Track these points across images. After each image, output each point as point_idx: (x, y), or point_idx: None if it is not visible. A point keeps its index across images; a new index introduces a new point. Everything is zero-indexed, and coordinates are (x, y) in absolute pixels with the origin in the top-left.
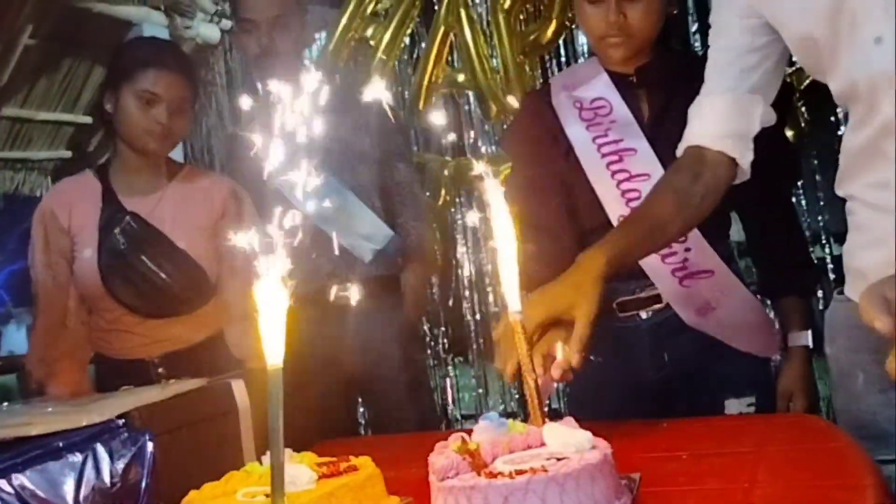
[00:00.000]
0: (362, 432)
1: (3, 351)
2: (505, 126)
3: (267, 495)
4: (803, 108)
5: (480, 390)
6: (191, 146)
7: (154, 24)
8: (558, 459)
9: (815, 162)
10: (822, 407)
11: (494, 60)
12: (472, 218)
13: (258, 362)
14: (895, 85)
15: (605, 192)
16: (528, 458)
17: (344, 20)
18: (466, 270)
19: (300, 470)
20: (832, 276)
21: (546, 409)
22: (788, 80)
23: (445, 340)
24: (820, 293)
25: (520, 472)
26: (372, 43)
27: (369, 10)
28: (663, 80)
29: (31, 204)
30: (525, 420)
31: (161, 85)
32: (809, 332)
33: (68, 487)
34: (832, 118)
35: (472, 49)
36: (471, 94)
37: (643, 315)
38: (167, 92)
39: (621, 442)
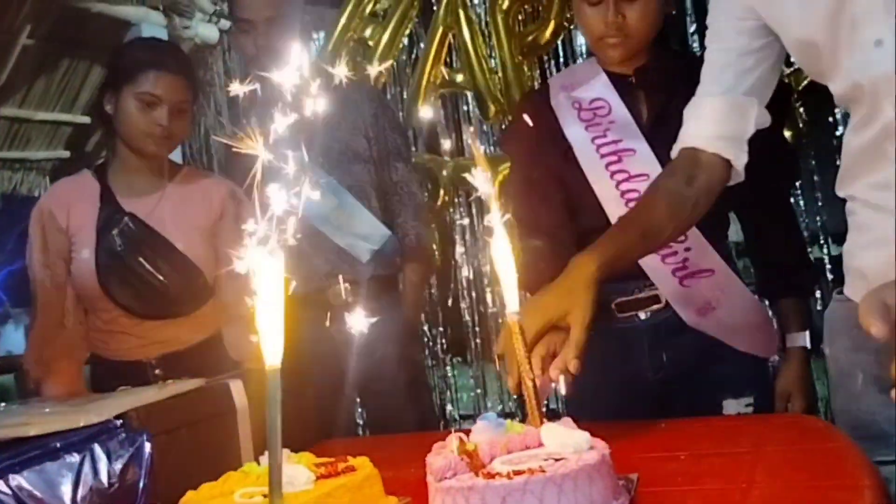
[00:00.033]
0: (360, 433)
1: (1, 351)
2: (503, 126)
3: (265, 496)
4: (801, 109)
5: (479, 390)
6: (189, 146)
7: (152, 24)
8: (556, 460)
9: (814, 162)
10: (821, 407)
11: (493, 61)
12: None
13: (256, 363)
14: (895, 86)
15: (603, 193)
16: (526, 459)
17: (343, 20)
18: (465, 271)
19: (298, 470)
20: (830, 277)
21: (544, 409)
22: (787, 80)
23: (444, 340)
24: (818, 293)
25: (518, 473)
26: (371, 43)
27: (368, 10)
28: (662, 81)
29: (29, 204)
30: (523, 420)
31: (162, 87)
32: (807, 332)
33: (66, 488)
34: (830, 119)
35: (470, 49)
36: (469, 94)
37: (642, 315)
38: (168, 94)
39: (619, 442)
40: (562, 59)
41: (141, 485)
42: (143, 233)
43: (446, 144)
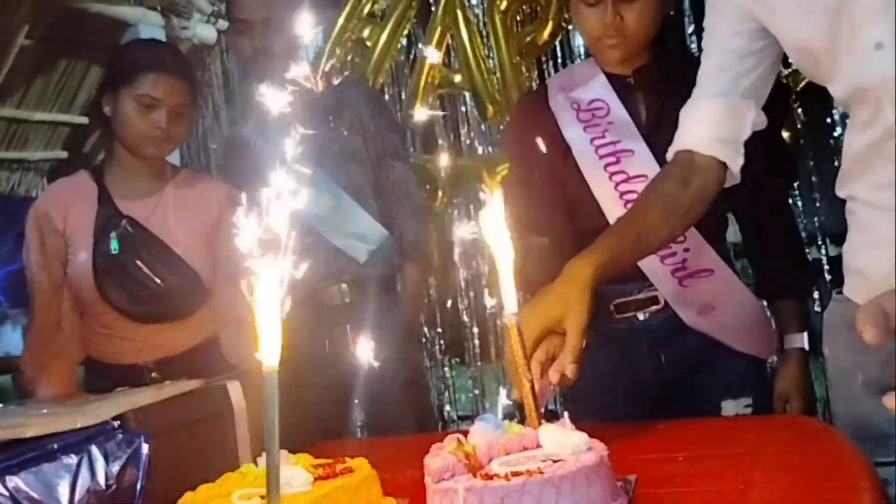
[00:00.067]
0: (358, 434)
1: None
2: (502, 127)
3: (262, 497)
4: (799, 110)
5: (477, 391)
6: (187, 147)
7: (150, 25)
8: (554, 461)
9: (812, 163)
10: (819, 408)
11: (491, 61)
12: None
13: (254, 364)
14: (895, 90)
15: (602, 194)
16: (524, 460)
17: (341, 21)
18: (463, 272)
19: (296, 472)
20: (828, 278)
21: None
22: (785, 81)
23: (442, 341)
24: (816, 294)
25: (516, 474)
26: (368, 44)
27: (366, 10)
28: (661, 82)
29: (27, 205)
30: (521, 422)
31: (161, 89)
32: (805, 334)
33: (63, 489)
34: (828, 119)
35: (468, 50)
36: (467, 94)
37: (640, 316)
38: (167, 96)
39: (617, 443)
40: (560, 60)
41: (138, 486)
42: (142, 236)
43: (444, 145)
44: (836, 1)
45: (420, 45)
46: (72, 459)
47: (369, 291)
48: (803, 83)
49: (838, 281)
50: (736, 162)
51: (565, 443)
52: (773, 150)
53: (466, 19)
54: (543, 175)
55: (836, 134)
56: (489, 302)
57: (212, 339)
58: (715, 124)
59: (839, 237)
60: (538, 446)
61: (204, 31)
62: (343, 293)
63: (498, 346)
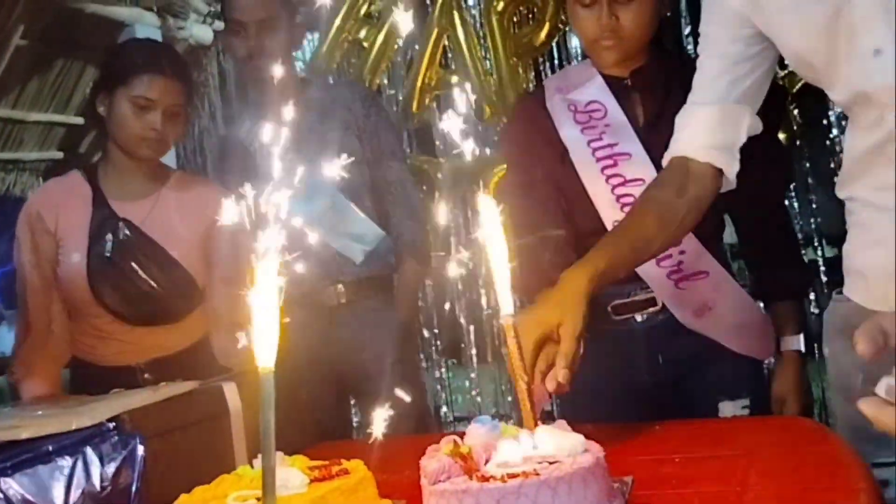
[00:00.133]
0: (355, 435)
1: None
2: (499, 128)
3: (258, 499)
4: (796, 111)
5: (474, 392)
6: (183, 147)
7: (147, 25)
8: (550, 463)
9: (808, 164)
10: (816, 410)
11: (488, 62)
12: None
13: (250, 365)
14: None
15: (599, 197)
16: (521, 462)
17: (337, 21)
18: (461, 272)
19: (291, 473)
20: (825, 279)
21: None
22: (781, 82)
23: (439, 342)
24: (812, 295)
25: (512, 476)
26: (365, 45)
27: (362, 11)
28: (658, 84)
29: (22, 205)
30: (518, 423)
31: (156, 90)
32: (802, 336)
33: (58, 492)
34: (825, 121)
35: (465, 51)
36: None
37: (638, 318)
38: (162, 98)
39: (614, 445)
40: (556, 61)
41: (133, 488)
42: (138, 239)
43: (441, 146)
44: (834, 7)
45: (417, 46)
46: (67, 461)
47: (366, 292)
48: (799, 84)
49: (835, 282)
50: (731, 168)
51: (561, 444)
52: (769, 151)
53: (463, 20)
54: (541, 177)
55: (832, 135)
56: (486, 302)
57: (204, 340)
58: (710, 131)
59: (836, 238)
60: (535, 448)
61: (200, 31)
62: (339, 294)
63: (494, 348)
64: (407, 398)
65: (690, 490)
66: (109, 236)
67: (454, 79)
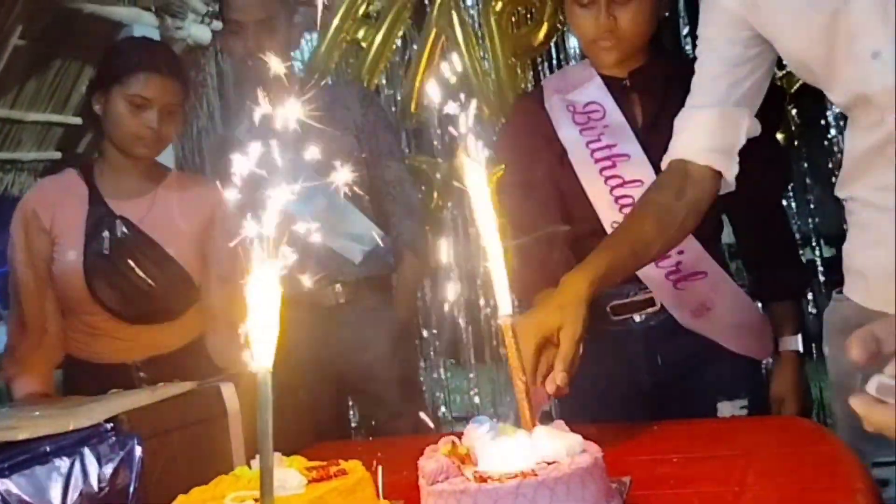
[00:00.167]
0: (353, 435)
1: None
2: (497, 128)
3: (256, 500)
4: (794, 111)
5: (472, 392)
6: (182, 147)
7: (145, 25)
8: (549, 463)
9: (806, 164)
10: (815, 410)
11: (486, 63)
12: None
13: (241, 365)
14: (895, 98)
15: (597, 198)
16: (519, 462)
17: (335, 22)
18: (459, 273)
19: (289, 474)
20: (822, 279)
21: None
22: (779, 83)
23: (437, 342)
24: (810, 295)
25: (510, 477)
26: (363, 45)
27: (361, 11)
28: (657, 84)
29: None
30: (516, 423)
31: (152, 89)
32: (800, 336)
33: (55, 492)
34: (822, 121)
35: (463, 51)
36: (462, 96)
37: (637, 318)
38: (159, 96)
39: (612, 445)
40: (555, 61)
41: (131, 489)
42: (136, 237)
43: (439, 146)
44: (832, 10)
45: (415, 46)
46: (64, 462)
47: (364, 292)
48: (797, 85)
49: (833, 282)
50: (731, 170)
51: (559, 445)
52: (767, 152)
53: (461, 20)
54: (539, 177)
55: (830, 135)
56: (484, 303)
57: (200, 340)
58: (709, 134)
59: (833, 238)
60: (533, 448)
61: (198, 31)
62: (338, 294)
63: (492, 348)
64: (405, 398)
65: (688, 490)
66: (106, 233)
67: (452, 79)
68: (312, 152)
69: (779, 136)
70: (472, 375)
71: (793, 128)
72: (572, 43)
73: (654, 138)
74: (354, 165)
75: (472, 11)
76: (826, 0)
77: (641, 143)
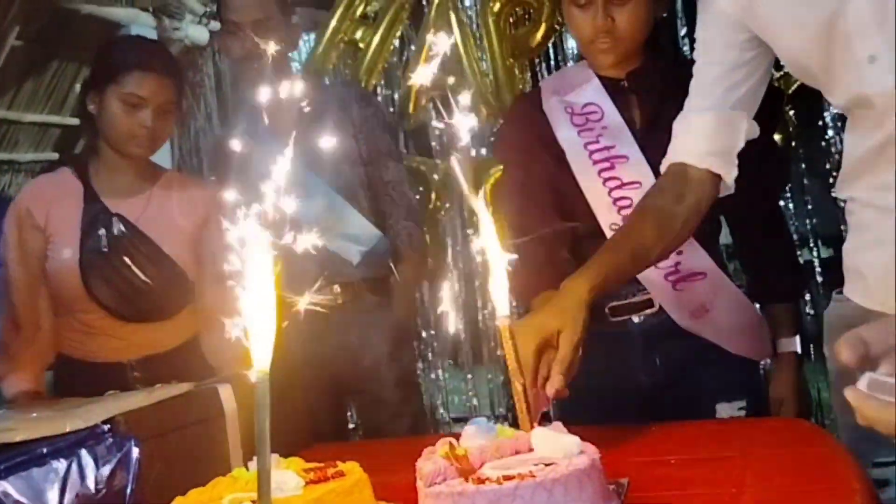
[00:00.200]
0: (351, 436)
1: None
2: (495, 129)
3: (253, 501)
4: (791, 112)
5: (471, 393)
6: (179, 148)
7: (142, 26)
8: (546, 465)
9: (804, 165)
10: (815, 411)
11: (484, 63)
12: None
13: (236, 365)
14: (894, 102)
15: (596, 200)
16: (517, 464)
17: (333, 23)
18: (458, 274)
19: (287, 476)
20: (820, 280)
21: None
22: (777, 84)
23: (435, 343)
24: (808, 296)
25: (508, 478)
26: (361, 45)
27: (358, 12)
28: (655, 85)
29: None
30: (514, 424)
31: (147, 88)
32: (798, 337)
33: (52, 494)
34: (820, 122)
35: (461, 52)
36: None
37: (635, 319)
38: (153, 95)
39: (610, 446)
40: (553, 62)
41: (128, 490)
42: (133, 235)
43: (437, 147)
44: (829, 14)
45: (412, 47)
46: (61, 464)
47: (362, 293)
48: (795, 86)
49: (831, 283)
50: (730, 173)
51: (557, 446)
52: (764, 153)
53: (459, 21)
54: (537, 178)
55: (827, 136)
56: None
57: (195, 340)
58: (708, 137)
59: (831, 239)
60: (530, 450)
61: (196, 32)
62: (336, 295)
63: (491, 349)
64: (403, 398)
65: (686, 492)
66: (103, 231)
67: (450, 80)
68: (310, 153)
69: (776, 136)
70: (470, 377)
71: (790, 129)
72: (570, 44)
73: (653, 140)
74: (352, 166)
75: (469, 12)
76: (823, 3)
77: (640, 145)
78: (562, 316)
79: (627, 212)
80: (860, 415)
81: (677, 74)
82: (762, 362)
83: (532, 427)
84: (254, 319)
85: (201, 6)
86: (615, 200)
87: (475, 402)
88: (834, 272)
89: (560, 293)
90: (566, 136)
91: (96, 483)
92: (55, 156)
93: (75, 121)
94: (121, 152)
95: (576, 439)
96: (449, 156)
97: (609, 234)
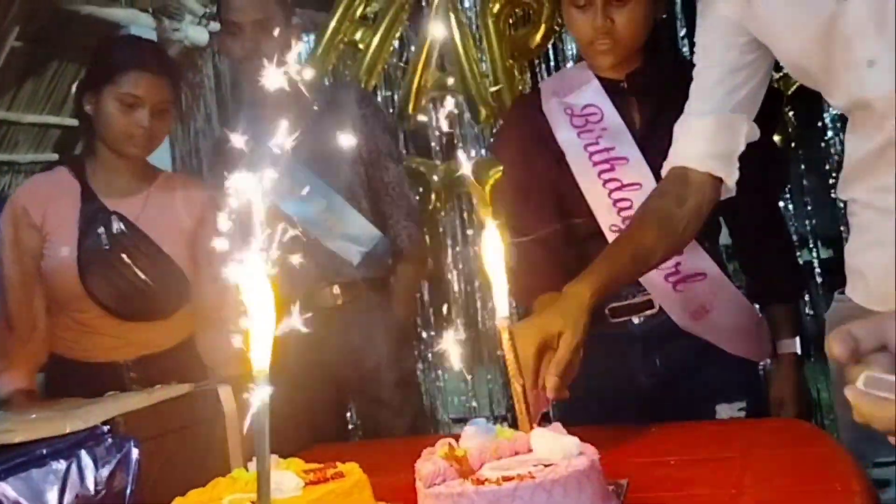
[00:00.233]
0: (352, 436)
1: None
2: (495, 130)
3: (253, 502)
4: (790, 113)
5: (470, 394)
6: (178, 149)
7: (142, 27)
8: (546, 466)
9: (803, 166)
10: (815, 412)
11: (483, 64)
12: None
13: (231, 366)
14: (894, 105)
15: (596, 201)
16: (516, 465)
17: (332, 24)
18: (457, 275)
19: (286, 476)
20: (819, 280)
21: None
22: (776, 85)
23: (434, 344)
24: (807, 297)
25: (507, 479)
26: (361, 46)
27: (358, 13)
28: (654, 87)
29: None
30: (513, 425)
31: (143, 88)
32: (798, 338)
33: (51, 495)
34: (819, 123)
35: (461, 53)
36: (460, 97)
37: (635, 320)
38: (149, 95)
39: (609, 447)
40: (552, 63)
41: (128, 491)
42: (132, 233)
43: (437, 148)
44: (827, 17)
45: (412, 48)
46: (61, 465)
47: (362, 294)
48: (794, 87)
49: (830, 284)
50: (731, 176)
51: (556, 447)
52: (763, 155)
53: (459, 22)
54: (537, 179)
55: (827, 137)
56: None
57: (190, 340)
58: (708, 140)
59: (831, 240)
60: (529, 451)
61: (195, 33)
62: (336, 296)
63: (490, 350)
64: (403, 398)
65: (686, 492)
66: (102, 230)
67: (450, 81)
68: (310, 154)
69: (776, 137)
70: (469, 377)
71: (789, 129)
72: (570, 45)
73: (652, 141)
74: (353, 166)
75: (469, 13)
76: (822, 6)
77: (639, 146)
78: (563, 318)
79: (627, 213)
80: (857, 412)
81: (677, 76)
82: (761, 363)
83: (531, 428)
84: (253, 320)
85: (201, 7)
86: (615, 202)
87: (474, 402)
88: (833, 273)
89: (562, 297)
90: (566, 137)
91: (96, 484)
92: (55, 157)
93: (75, 122)
94: (118, 152)
95: (575, 440)
96: (449, 157)
97: (609, 235)
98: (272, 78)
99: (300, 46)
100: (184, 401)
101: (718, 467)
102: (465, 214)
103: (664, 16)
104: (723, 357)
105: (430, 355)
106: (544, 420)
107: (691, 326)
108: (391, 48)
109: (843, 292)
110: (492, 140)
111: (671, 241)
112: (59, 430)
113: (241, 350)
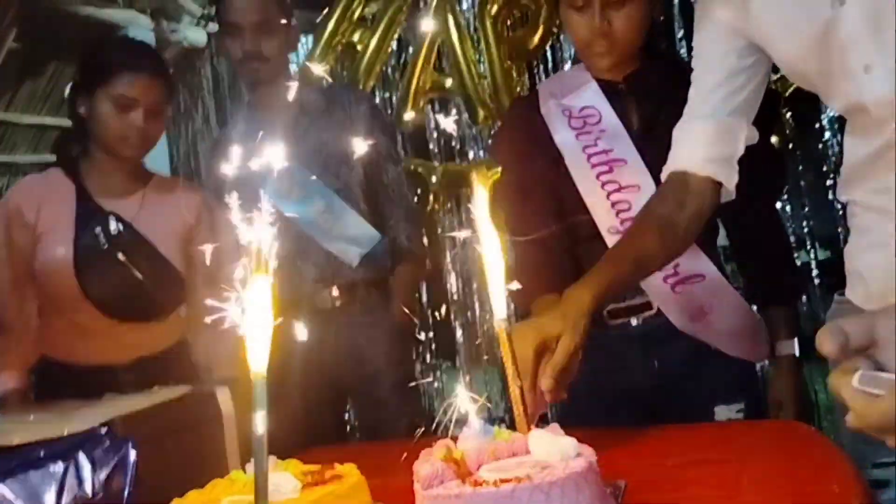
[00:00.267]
0: (350, 438)
1: None
2: (493, 131)
3: None
4: (788, 115)
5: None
6: (177, 150)
7: (140, 28)
8: (543, 467)
9: (801, 167)
10: (814, 414)
11: (482, 66)
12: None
13: (226, 368)
14: (894, 108)
15: (594, 204)
16: (514, 466)
17: (331, 25)
18: (455, 276)
19: (284, 478)
20: (817, 281)
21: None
22: (774, 86)
23: (434, 345)
24: (804, 298)
25: (504, 481)
26: (359, 48)
27: (356, 14)
28: (652, 88)
29: None
30: (512, 427)
31: (137, 89)
32: (796, 340)
33: (49, 497)
34: (817, 125)
35: (459, 54)
36: (458, 98)
37: (634, 322)
38: (144, 96)
39: (607, 449)
40: (550, 64)
41: (126, 493)
42: (129, 234)
43: (435, 149)
44: (824, 23)
45: (411, 49)
46: (58, 467)
47: (361, 295)
48: (792, 88)
49: (829, 285)
50: (731, 180)
51: (554, 449)
52: (761, 157)
53: (457, 24)
54: (535, 181)
55: (824, 139)
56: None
57: (184, 342)
58: (708, 144)
59: (828, 241)
60: (527, 452)
61: (194, 34)
62: (335, 297)
63: (489, 351)
64: (402, 400)
65: (684, 494)
66: (99, 229)
67: (448, 82)
68: (309, 155)
69: (773, 139)
70: (467, 378)
71: (787, 131)
72: (568, 46)
73: (651, 143)
74: (351, 168)
75: (467, 15)
76: (818, 12)
77: (638, 148)
78: (563, 321)
79: (626, 215)
80: (852, 410)
81: (675, 77)
82: (759, 364)
83: (529, 429)
84: (250, 321)
85: (199, 8)
86: (613, 204)
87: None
88: (831, 274)
89: (563, 300)
90: (564, 138)
91: (94, 486)
92: (53, 158)
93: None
94: (112, 153)
95: (573, 441)
96: (447, 158)
97: (607, 236)
98: (272, 79)
99: (298, 48)
100: (182, 402)
101: (717, 469)
102: (464, 215)
103: (662, 17)
104: (721, 359)
105: (428, 356)
106: (542, 421)
107: (690, 328)
108: (389, 49)
109: (842, 294)
110: (490, 142)
111: (672, 245)
112: (57, 432)
113: (237, 351)
